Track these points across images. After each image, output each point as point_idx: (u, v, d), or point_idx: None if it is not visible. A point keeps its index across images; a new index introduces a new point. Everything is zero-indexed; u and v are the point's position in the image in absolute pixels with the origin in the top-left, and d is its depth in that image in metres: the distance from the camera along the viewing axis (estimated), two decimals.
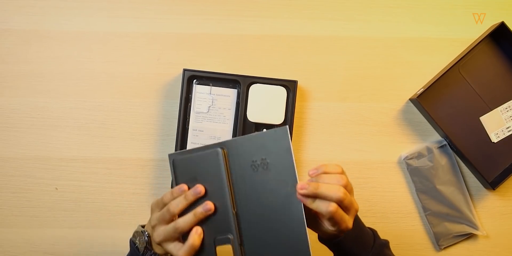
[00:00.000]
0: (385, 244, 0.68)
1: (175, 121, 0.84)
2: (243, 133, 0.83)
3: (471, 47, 0.84)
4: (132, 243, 0.68)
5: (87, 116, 0.84)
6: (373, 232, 0.68)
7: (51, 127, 0.84)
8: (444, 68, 0.85)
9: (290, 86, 0.82)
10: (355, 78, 0.86)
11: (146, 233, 0.67)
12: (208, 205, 0.61)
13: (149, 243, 0.67)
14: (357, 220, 0.65)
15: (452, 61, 0.85)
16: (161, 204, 0.64)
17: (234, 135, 0.83)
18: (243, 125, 0.82)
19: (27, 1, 0.85)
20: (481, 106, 0.85)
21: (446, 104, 0.84)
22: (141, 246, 0.67)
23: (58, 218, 0.84)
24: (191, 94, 0.83)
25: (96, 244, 0.84)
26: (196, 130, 0.83)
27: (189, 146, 0.82)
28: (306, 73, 0.86)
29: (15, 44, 0.84)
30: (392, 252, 0.68)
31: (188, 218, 0.62)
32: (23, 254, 0.83)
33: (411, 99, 0.86)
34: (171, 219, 0.63)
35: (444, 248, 0.86)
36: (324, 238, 0.65)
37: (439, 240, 0.85)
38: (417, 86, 0.86)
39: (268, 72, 0.85)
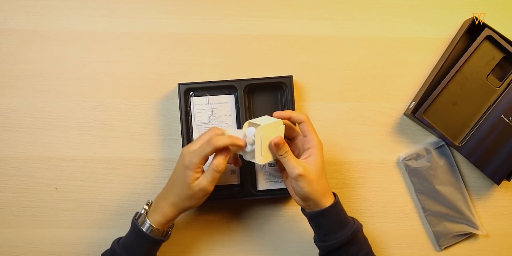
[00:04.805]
0: (361, 225, 0.75)
1: (175, 121, 0.84)
2: None
3: (452, 47, 0.84)
4: (136, 213, 0.76)
5: (87, 116, 0.85)
6: (353, 219, 0.76)
7: (51, 127, 0.84)
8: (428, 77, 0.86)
9: (287, 82, 0.82)
10: (355, 78, 0.86)
11: (150, 201, 0.76)
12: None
13: (146, 210, 0.75)
14: (338, 203, 0.74)
15: (435, 67, 0.86)
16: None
17: None
18: None
19: (28, 1, 0.85)
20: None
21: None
22: (139, 212, 0.75)
23: (58, 218, 0.84)
24: (190, 107, 0.83)
25: (96, 244, 0.84)
26: None
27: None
28: (306, 73, 0.86)
29: (15, 44, 0.84)
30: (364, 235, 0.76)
31: (224, 136, 0.70)
32: (23, 254, 0.83)
33: (405, 114, 0.86)
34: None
35: (444, 248, 0.86)
36: (305, 211, 0.75)
37: (439, 240, 0.85)
38: (417, 86, 0.86)
39: (268, 72, 0.85)
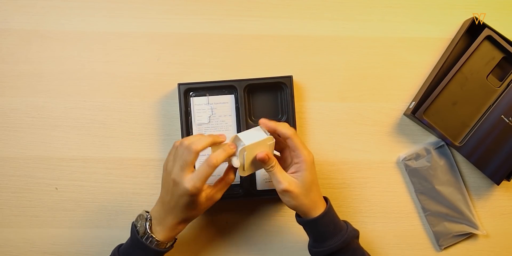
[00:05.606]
0: (356, 234, 0.73)
1: (175, 121, 0.84)
2: None
3: (452, 47, 0.84)
4: (134, 226, 0.72)
5: (87, 116, 0.85)
6: (346, 223, 0.74)
7: (51, 127, 0.84)
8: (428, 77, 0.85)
9: (286, 82, 0.82)
10: (355, 78, 0.86)
11: (149, 216, 0.72)
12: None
13: (149, 227, 0.71)
14: (331, 209, 0.73)
15: (435, 68, 0.86)
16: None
17: None
18: (246, 129, 0.82)
19: (28, 1, 0.85)
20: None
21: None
22: (141, 229, 0.71)
23: (58, 218, 0.84)
24: (190, 107, 0.83)
25: (96, 244, 0.84)
26: None
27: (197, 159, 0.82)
28: (306, 73, 0.86)
29: (15, 44, 0.85)
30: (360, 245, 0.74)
31: (219, 152, 0.68)
32: (23, 254, 0.83)
33: (405, 114, 0.86)
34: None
35: (444, 248, 0.86)
36: (300, 218, 0.73)
37: (439, 240, 0.85)
38: (417, 86, 0.86)
39: (268, 72, 0.85)
